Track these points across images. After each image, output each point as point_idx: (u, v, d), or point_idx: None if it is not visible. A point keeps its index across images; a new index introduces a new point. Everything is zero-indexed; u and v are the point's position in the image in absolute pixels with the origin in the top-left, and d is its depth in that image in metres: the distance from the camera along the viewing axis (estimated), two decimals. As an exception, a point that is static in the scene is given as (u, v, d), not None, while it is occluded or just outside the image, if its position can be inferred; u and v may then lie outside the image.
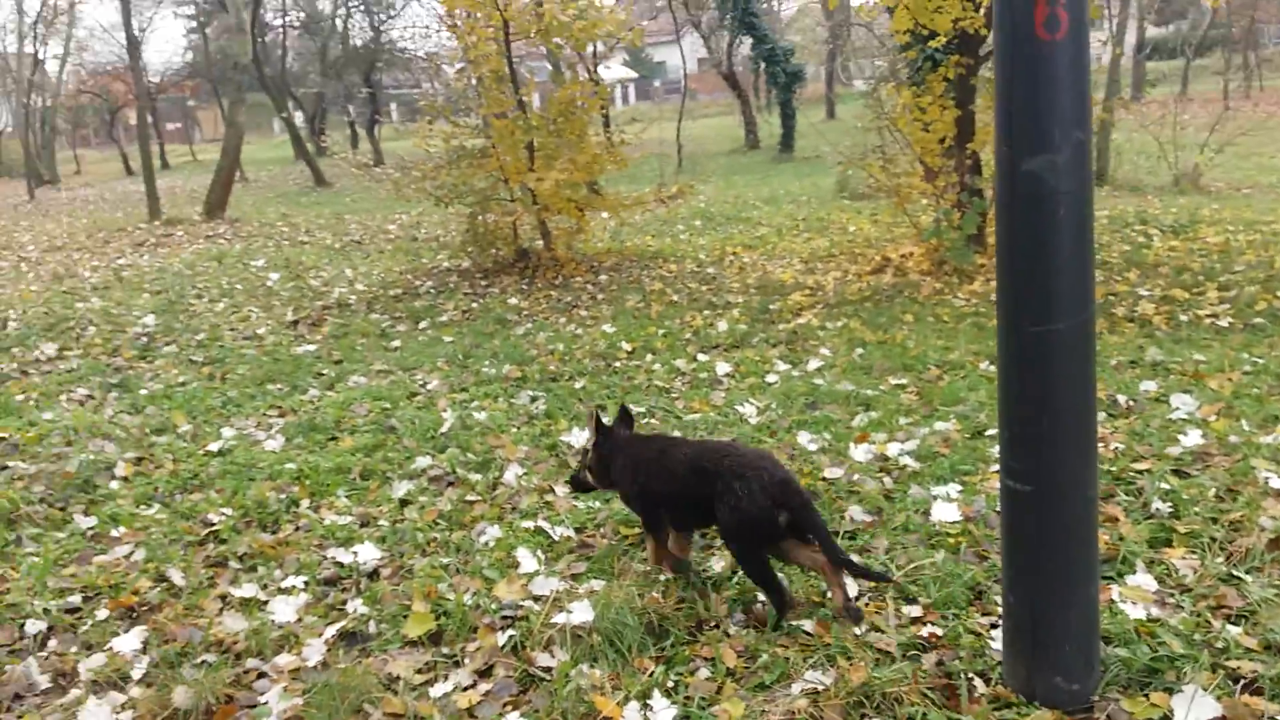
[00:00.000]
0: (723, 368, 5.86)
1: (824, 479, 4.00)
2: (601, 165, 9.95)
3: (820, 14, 38.46)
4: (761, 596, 3.00)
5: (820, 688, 2.54)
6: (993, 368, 5.46)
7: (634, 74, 51.27)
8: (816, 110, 30.72)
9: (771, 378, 5.62)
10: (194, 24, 40.61)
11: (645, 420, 5.02)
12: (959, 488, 3.78)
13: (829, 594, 2.96)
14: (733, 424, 4.83)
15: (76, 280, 11.33)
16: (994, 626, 2.77)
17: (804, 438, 4.47)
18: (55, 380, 6.79)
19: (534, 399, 5.60)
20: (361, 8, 30.86)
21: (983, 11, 7.95)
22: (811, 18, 40.66)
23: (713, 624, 2.93)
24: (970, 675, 2.58)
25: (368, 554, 3.55)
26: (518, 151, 9.49)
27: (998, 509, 3.48)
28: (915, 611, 2.92)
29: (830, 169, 16.03)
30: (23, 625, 3.16)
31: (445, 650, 2.90)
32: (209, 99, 45.36)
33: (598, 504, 3.93)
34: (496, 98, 9.60)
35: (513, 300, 8.63)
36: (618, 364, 6.25)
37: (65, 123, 40.50)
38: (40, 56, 31.96)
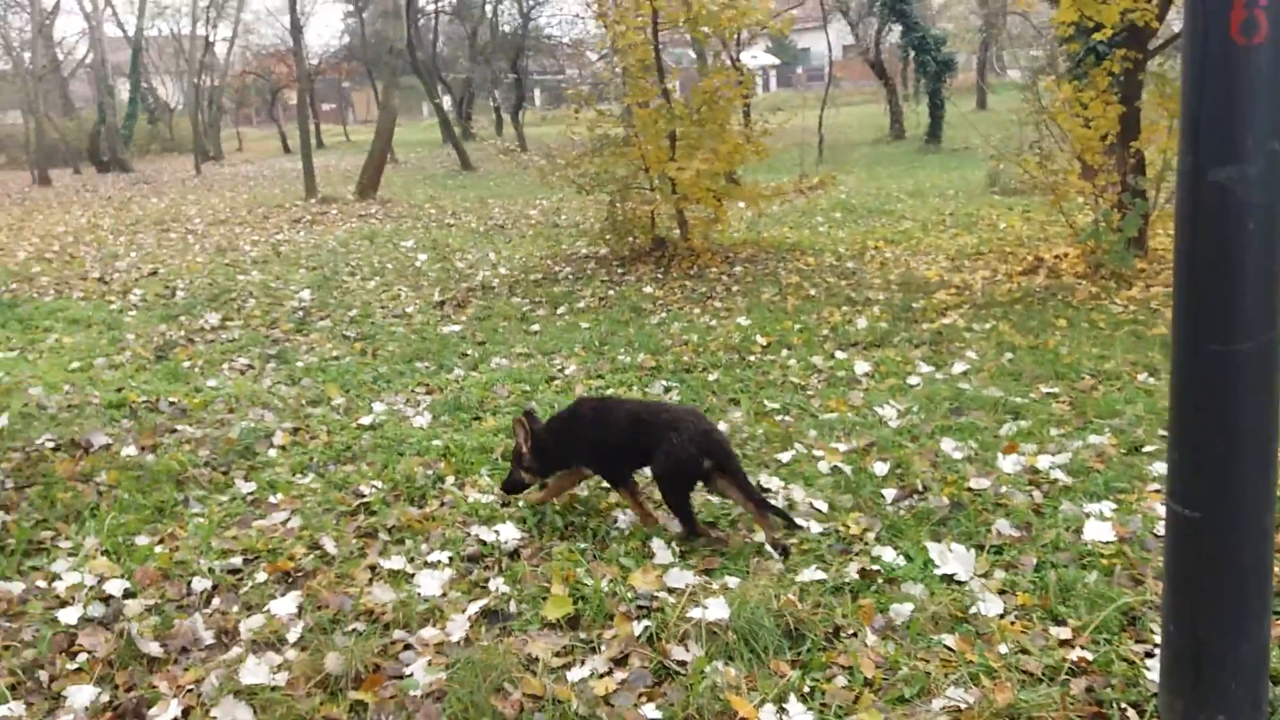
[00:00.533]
0: (861, 367, 5.75)
1: (969, 489, 3.88)
2: (743, 155, 9.89)
3: (973, 1, 37.18)
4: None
5: (963, 706, 2.48)
6: (1152, 380, 5.19)
7: (776, 61, 50.78)
8: (966, 100, 29.69)
9: (913, 379, 5.49)
10: (351, 8, 42.23)
11: (779, 418, 4.98)
12: (1113, 506, 3.62)
13: (760, 531, 3.54)
14: (871, 426, 4.74)
15: (238, 253, 12.01)
16: (1149, 655, 2.64)
17: (948, 444, 4.35)
18: (218, 349, 7.23)
19: (668, 389, 5.63)
20: (511, -7, 31.49)
21: (1155, 2, 7.52)
22: (964, 5, 39.32)
23: (850, 631, 2.89)
24: (1122, 705, 2.47)
25: (509, 534, 3.64)
26: (659, 140, 9.55)
27: (1156, 532, 3.36)
28: (1064, 634, 2.81)
29: (980, 162, 15.50)
30: (190, 582, 3.39)
31: (583, 635, 2.95)
32: (363, 81, 47.25)
33: (725, 500, 3.92)
34: (641, 87, 9.67)
35: (648, 289, 8.68)
36: (752, 358, 6.22)
37: (230, 102, 42.92)
38: (210, 39, 33.93)
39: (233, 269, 10.74)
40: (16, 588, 3.42)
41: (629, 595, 3.14)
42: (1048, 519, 3.60)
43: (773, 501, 3.71)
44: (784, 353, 6.24)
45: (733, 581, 3.19)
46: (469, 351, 6.85)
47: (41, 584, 3.45)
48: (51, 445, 4.80)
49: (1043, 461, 4.12)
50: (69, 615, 3.19)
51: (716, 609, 2.90)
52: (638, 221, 10.10)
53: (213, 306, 8.74)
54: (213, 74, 35.75)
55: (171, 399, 5.68)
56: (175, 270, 10.85)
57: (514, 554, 3.55)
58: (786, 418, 4.98)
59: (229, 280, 9.97)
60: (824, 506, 3.82)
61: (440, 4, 33.38)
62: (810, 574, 3.22)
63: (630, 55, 9.57)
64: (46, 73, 34.66)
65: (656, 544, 3.48)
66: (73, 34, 44.05)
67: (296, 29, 18.36)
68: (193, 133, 32.63)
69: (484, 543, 3.62)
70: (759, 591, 2.99)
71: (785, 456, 4.36)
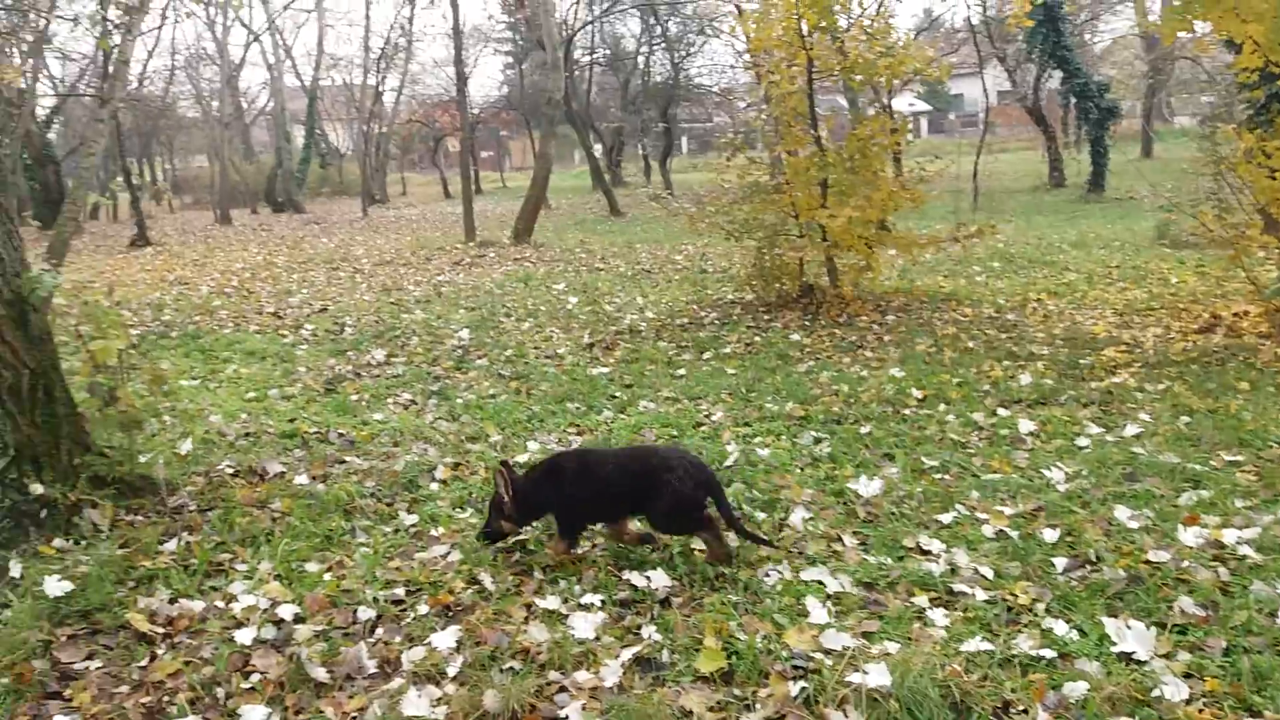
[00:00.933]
0: (1026, 425, 5.50)
1: (1147, 561, 3.64)
2: (897, 203, 9.73)
3: (1139, 46, 35.68)
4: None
5: (1149, 799, 2.30)
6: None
7: (927, 107, 49.96)
8: (1130, 147, 28.43)
9: (1082, 441, 5.21)
10: (511, 60, 44.08)
11: (938, 476, 4.82)
12: (1314, 590, 3.32)
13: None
14: (1038, 489, 4.53)
15: (402, 293, 12.57)
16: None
17: (1122, 513, 4.10)
18: (384, 384, 7.55)
19: (818, 440, 5.53)
20: (663, 45, 32.15)
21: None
22: (1129, 50, 37.82)
23: (1020, 708, 2.74)
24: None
25: (660, 580, 3.64)
26: (811, 188, 9.50)
27: (1369, 621, 3.06)
28: (1261, 727, 2.58)
29: (1147, 212, 14.76)
30: (356, 611, 3.52)
31: (736, 691, 2.91)
32: (519, 130, 49.13)
33: (889, 559, 3.81)
34: (794, 134, 9.67)
35: (795, 336, 8.60)
36: (906, 411, 6.05)
37: (396, 148, 45.23)
38: (380, 89, 35.97)
39: (397, 307, 11.24)
40: (198, 606, 3.64)
41: (784, 654, 3.08)
42: (1237, 599, 3.34)
43: (759, 534, 4.03)
44: (941, 407, 6.04)
45: (892, 647, 3.08)
46: (617, 394, 6.93)
47: (220, 604, 3.65)
48: (230, 471, 5.10)
49: (1229, 535, 3.83)
50: (244, 636, 3.36)
51: (877, 675, 2.81)
52: (786, 268, 10.05)
53: (378, 343, 9.16)
54: (380, 122, 37.83)
55: (340, 431, 5.96)
56: (344, 307, 11.44)
57: (665, 601, 3.53)
58: (946, 476, 4.81)
59: (394, 318, 10.44)
60: (989, 573, 3.65)
61: (595, 56, 34.37)
62: (976, 644, 3.08)
63: (783, 104, 9.60)
64: (231, 120, 37.46)
65: (811, 603, 3.41)
66: (256, 84, 47.56)
67: (461, 80, 19.27)
68: (361, 177, 34.56)
69: (635, 588, 3.62)
70: (922, 660, 2.87)
71: (946, 518, 4.21)
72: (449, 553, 4.02)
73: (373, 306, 11.43)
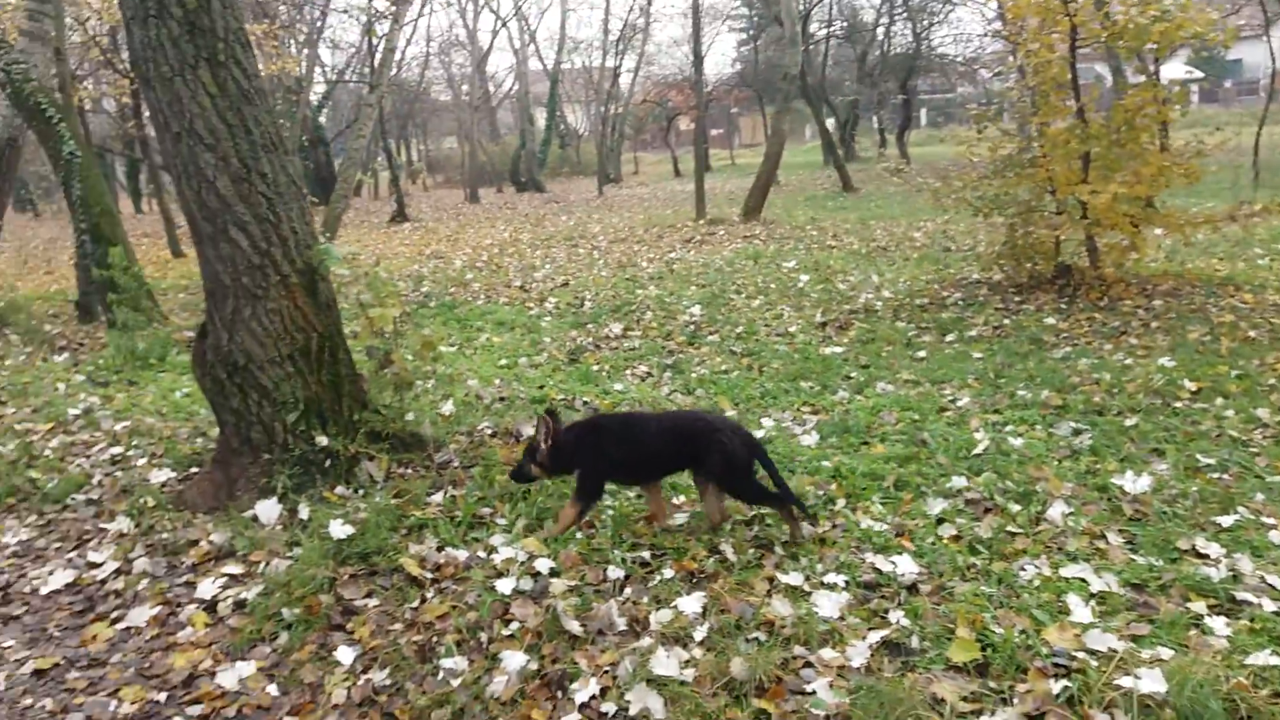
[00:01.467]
0: (1322, 425, 4.93)
1: None
2: (1169, 178, 8.90)
3: None
4: None
5: None
6: None
7: (1198, 74, 45.32)
8: None
9: (1394, 445, 4.61)
10: (745, 37, 43.92)
11: (1216, 475, 4.41)
12: None
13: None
14: (1339, 495, 4.04)
15: (636, 269, 12.88)
16: None
17: None
18: (621, 356, 7.79)
19: (1077, 432, 5.18)
20: (905, 15, 30.98)
21: None
22: None
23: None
24: None
25: (906, 566, 3.55)
26: (1070, 162, 8.86)
27: None
28: None
29: None
30: (606, 569, 3.66)
31: (992, 684, 2.80)
32: (750, 107, 49.00)
33: (1160, 561, 3.53)
34: (1053, 105, 9.05)
35: (1049, 320, 8.08)
36: (1178, 404, 5.54)
37: (630, 128, 46.28)
38: (617, 70, 36.85)
39: (632, 283, 11.54)
40: (462, 554, 3.91)
41: (1043, 650, 2.93)
42: None
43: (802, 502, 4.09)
44: (1218, 401, 5.50)
45: (1165, 653, 2.86)
46: (852, 374, 6.80)
47: (481, 554, 3.91)
48: (489, 432, 5.43)
49: None
50: (504, 586, 3.57)
51: (1151, 681, 2.61)
52: (1039, 247, 9.45)
53: (615, 317, 9.44)
54: (616, 102, 38.80)
55: (585, 398, 6.21)
56: (583, 282, 11.88)
57: (912, 588, 3.44)
58: (1225, 476, 4.39)
59: (629, 294, 10.72)
60: (1278, 582, 3.31)
61: (832, 29, 33.62)
62: (1264, 658, 2.80)
63: (1042, 73, 8.99)
64: (480, 103, 39.60)
65: (1073, 600, 3.21)
66: (502, 69, 50.05)
67: (698, 59, 19.40)
68: (597, 157, 35.64)
69: (880, 571, 3.55)
70: (1203, 669, 2.65)
71: (1226, 521, 3.84)
72: (689, 521, 4.10)
73: (609, 282, 11.79)
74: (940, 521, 4.01)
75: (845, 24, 35.26)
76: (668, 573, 3.59)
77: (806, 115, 40.68)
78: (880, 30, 33.15)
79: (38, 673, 3.46)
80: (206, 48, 4.21)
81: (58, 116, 9.61)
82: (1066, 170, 8.82)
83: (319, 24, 26.96)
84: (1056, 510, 4.03)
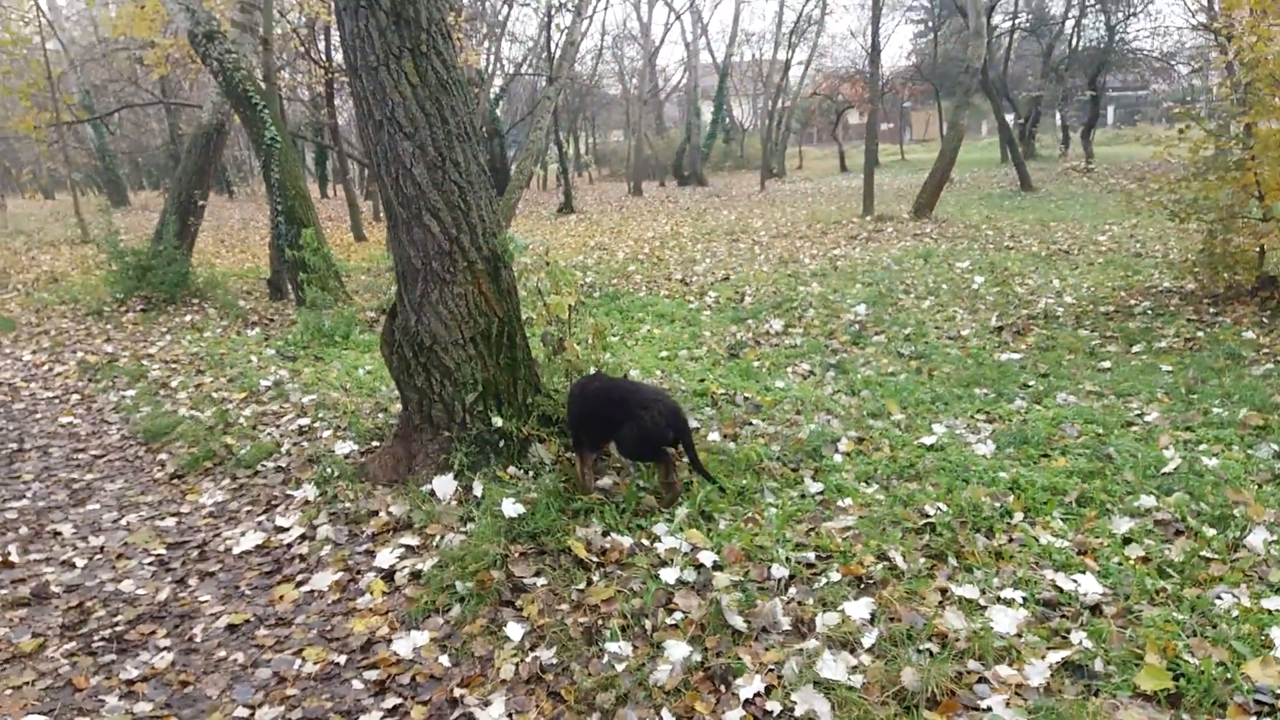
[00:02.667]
0: None
1: None
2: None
3: None
4: None
5: None
6: None
7: None
8: None
9: None
10: (922, 29, 42.60)
11: None
12: None
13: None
14: None
15: (798, 265, 12.72)
16: None
17: None
18: (782, 353, 7.71)
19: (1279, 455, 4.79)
20: (1097, 7, 29.26)
21: None
22: None
23: None
24: None
25: (1089, 586, 3.37)
26: (1282, 165, 8.17)
27: None
28: None
29: None
30: (770, 568, 3.63)
31: (1185, 717, 2.63)
32: (923, 101, 47.51)
33: None
34: (1268, 104, 8.36)
35: (1248, 334, 7.48)
36: (1400, 431, 5.04)
37: (797, 122, 45.70)
38: (789, 63, 36.43)
39: (794, 280, 11.40)
40: (626, 541, 3.97)
41: (1244, 686, 2.72)
42: None
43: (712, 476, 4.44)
44: None
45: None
46: (1030, 382, 6.50)
47: (645, 542, 3.96)
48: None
49: None
50: (668, 575, 3.61)
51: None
52: (1240, 256, 8.76)
53: (776, 313, 9.36)
54: (785, 96, 38.39)
55: (746, 394, 6.19)
56: (743, 277, 11.82)
57: (1095, 609, 3.27)
58: None
59: (790, 290, 10.60)
60: None
61: (1017, 21, 32.15)
62: None
63: (1259, 69, 8.31)
64: (648, 97, 39.97)
65: (1278, 634, 2.97)
66: (673, 62, 50.35)
67: (875, 51, 18.92)
68: (761, 151, 35.39)
69: (1061, 590, 3.38)
70: None
71: None
72: (854, 525, 4.02)
73: (770, 277, 11.68)
74: (1127, 541, 3.79)
75: (1031, 17, 33.66)
76: (834, 575, 3.54)
77: (984, 111, 39.16)
78: (1069, 23, 31.45)
79: (230, 627, 3.74)
80: (410, 38, 4.42)
81: (262, 104, 10.29)
82: (1276, 174, 8.14)
83: (502, 17, 27.83)
84: (1258, 537, 3.73)
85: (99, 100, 28.80)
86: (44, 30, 20.63)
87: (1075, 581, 3.40)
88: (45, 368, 8.86)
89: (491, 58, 28.07)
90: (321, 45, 19.16)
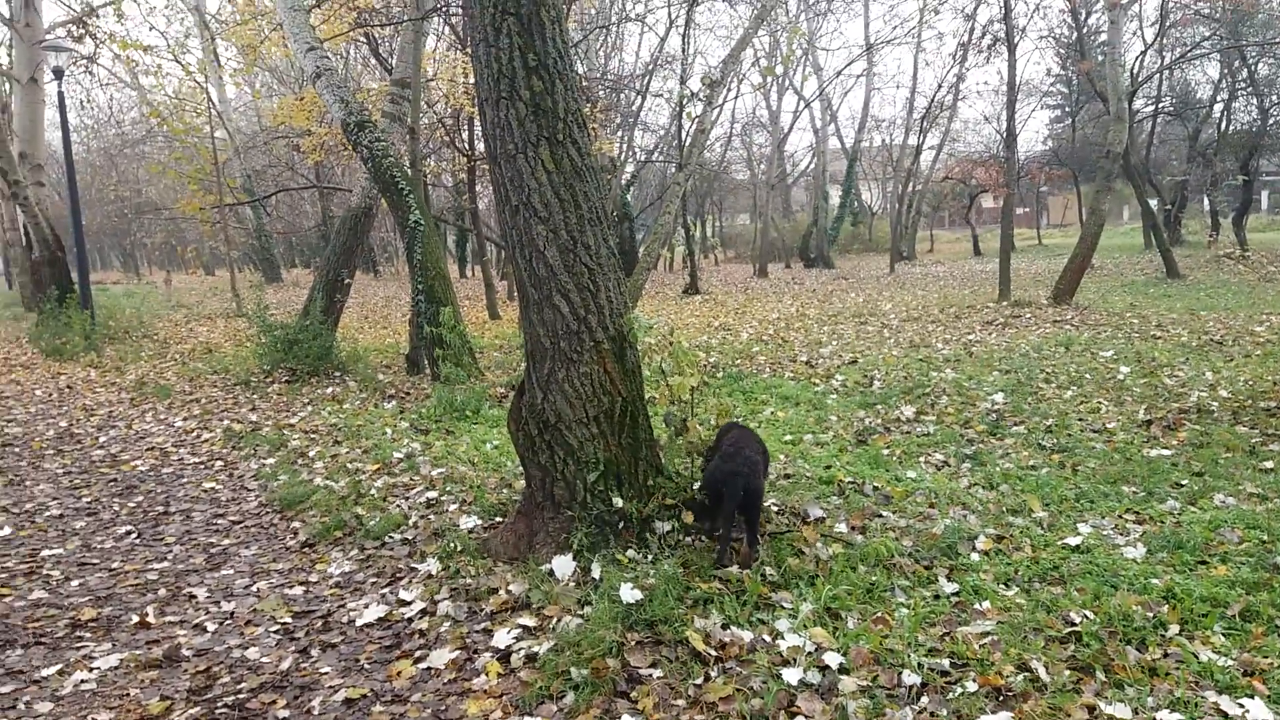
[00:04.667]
0: None
1: None
2: None
3: None
4: None
5: None
6: None
7: None
8: None
9: None
10: (1059, 114, 41.78)
11: None
12: None
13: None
14: None
15: (930, 350, 12.37)
16: None
17: None
18: (914, 441, 7.44)
19: None
20: (1249, 90, 28.09)
21: None
22: None
23: None
24: None
25: (1259, 712, 3.06)
26: None
27: None
28: None
29: None
30: (900, 673, 3.43)
31: None
32: (1059, 186, 46.31)
33: None
34: None
35: None
36: None
37: (928, 205, 45.16)
38: (920, 147, 36.19)
39: (926, 365, 11.09)
40: (746, 635, 3.83)
41: None
42: None
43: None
44: None
45: None
46: (1183, 482, 6.06)
47: (766, 638, 3.81)
48: (775, 509, 5.35)
49: None
50: (790, 675, 3.45)
51: None
52: None
53: (907, 399, 9.08)
54: (916, 179, 38.06)
55: (875, 484, 5.98)
56: (872, 361, 11.58)
57: (1268, 740, 2.96)
58: None
59: (922, 375, 10.31)
60: None
61: (1160, 105, 31.15)
62: None
63: None
64: (776, 182, 40.28)
65: None
66: (801, 148, 50.76)
67: (1011, 135, 18.60)
68: (890, 234, 35.05)
69: (1225, 715, 3.08)
70: None
71: None
72: (994, 630, 3.78)
73: (900, 362, 11.40)
74: (1302, 664, 3.43)
75: (1175, 100, 32.56)
76: (970, 685, 3.31)
77: (1124, 195, 37.82)
78: (1218, 106, 30.25)
79: (348, 701, 3.75)
80: (548, 127, 4.56)
81: (408, 189, 10.81)
82: None
83: (635, 108, 28.70)
84: None
85: (258, 184, 30.93)
86: (213, 120, 22.37)
87: (1242, 706, 3.08)
88: (194, 434, 9.36)
89: (625, 146, 28.87)
90: (465, 135, 20.10)
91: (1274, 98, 27.82)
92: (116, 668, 4.12)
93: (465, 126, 19.97)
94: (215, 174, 19.77)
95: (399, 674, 3.93)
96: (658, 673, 3.65)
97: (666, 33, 27.04)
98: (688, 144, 13.67)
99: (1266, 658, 3.50)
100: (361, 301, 25.18)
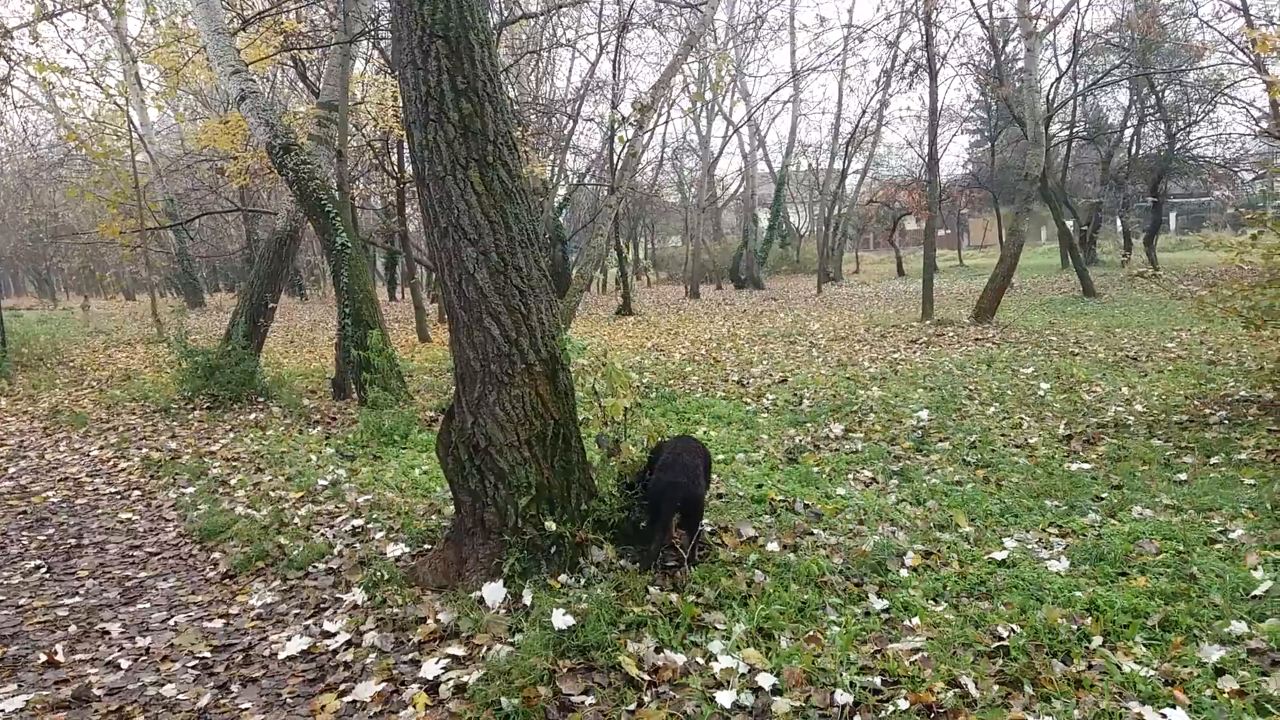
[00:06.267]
0: None
1: None
2: None
3: None
4: None
5: None
6: None
7: None
8: None
9: None
10: (979, 138, 43.00)
11: None
12: None
13: None
14: None
15: (857, 369, 12.56)
16: None
17: None
18: (843, 458, 7.52)
19: (1384, 578, 4.47)
20: (1156, 115, 29.29)
21: None
22: None
23: None
24: None
25: (1180, 721, 3.13)
26: (1365, 271, 7.93)
27: None
28: None
29: None
30: (833, 693, 3.44)
31: None
32: (979, 208, 47.63)
33: None
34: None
35: (1337, 447, 7.14)
36: None
37: (853, 228, 46.01)
38: (845, 171, 36.87)
39: (853, 383, 11.24)
40: (680, 659, 3.80)
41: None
42: None
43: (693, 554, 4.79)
44: None
45: None
46: (1103, 495, 6.23)
47: (700, 660, 3.79)
48: (708, 529, 5.34)
49: None
50: (724, 698, 3.43)
51: None
52: (1323, 365, 8.46)
53: (836, 417, 9.19)
54: (841, 202, 38.78)
55: (806, 502, 6.01)
56: (802, 380, 11.70)
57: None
58: None
59: (850, 393, 10.44)
60: None
61: (1075, 130, 32.29)
62: None
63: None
64: (707, 205, 40.67)
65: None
66: (731, 172, 51.39)
67: (933, 160, 19.08)
68: (818, 255, 35.62)
69: (1147, 725, 3.14)
70: None
71: None
72: (923, 647, 3.81)
73: (829, 380, 11.54)
74: (1220, 672, 3.53)
75: (1089, 125, 33.79)
76: (902, 704, 3.33)
77: (1042, 217, 39.12)
78: (1128, 131, 31.46)
79: (271, 738, 3.61)
80: (478, 149, 4.52)
81: (334, 211, 10.63)
82: (1359, 280, 7.90)
83: (568, 131, 28.74)
84: (1368, 670, 3.45)
85: (181, 207, 30.16)
86: (134, 144, 21.77)
87: (1164, 716, 3.16)
88: (110, 463, 9.02)
89: (556, 169, 28.87)
90: (395, 157, 19.89)
91: (1180, 123, 29.02)
92: (22, 709, 3.92)
93: (395, 149, 19.76)
94: (136, 198, 19.19)
95: (323, 708, 3.81)
96: (590, 700, 3.60)
97: (597, 58, 27.22)
98: (619, 167, 13.72)
99: (1186, 667, 3.59)
100: (287, 325, 24.66)
